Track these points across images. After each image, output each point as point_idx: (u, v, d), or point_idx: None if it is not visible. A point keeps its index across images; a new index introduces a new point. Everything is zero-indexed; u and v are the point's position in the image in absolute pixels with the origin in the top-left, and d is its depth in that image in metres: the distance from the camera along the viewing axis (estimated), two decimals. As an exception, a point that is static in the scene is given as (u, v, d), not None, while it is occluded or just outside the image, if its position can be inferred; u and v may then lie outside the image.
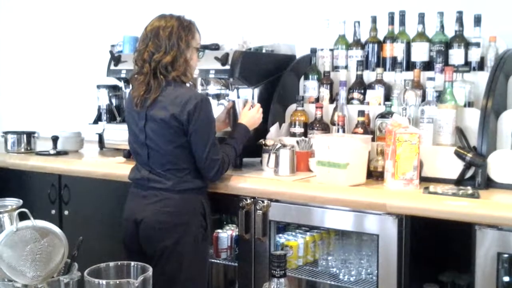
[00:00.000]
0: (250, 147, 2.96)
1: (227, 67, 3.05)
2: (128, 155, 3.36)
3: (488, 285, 2.28)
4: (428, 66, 2.98)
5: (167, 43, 2.53)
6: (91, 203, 3.40)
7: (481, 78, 2.79)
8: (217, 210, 2.90)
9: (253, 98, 3.19)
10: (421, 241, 2.55)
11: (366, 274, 2.76)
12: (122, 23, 4.31)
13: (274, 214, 2.75)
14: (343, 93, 2.99)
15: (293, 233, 3.03)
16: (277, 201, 2.74)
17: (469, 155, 2.52)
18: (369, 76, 3.10)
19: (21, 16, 5.11)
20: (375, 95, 2.99)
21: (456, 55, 2.91)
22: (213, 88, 3.25)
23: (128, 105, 2.71)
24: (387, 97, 2.95)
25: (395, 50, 3.06)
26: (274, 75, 3.28)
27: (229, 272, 3.37)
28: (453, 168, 2.59)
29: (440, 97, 2.74)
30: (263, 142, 2.96)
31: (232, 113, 2.96)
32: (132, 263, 1.49)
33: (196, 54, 2.66)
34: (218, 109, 3.04)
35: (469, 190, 2.42)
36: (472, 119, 2.67)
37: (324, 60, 3.25)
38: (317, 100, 3.17)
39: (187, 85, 2.64)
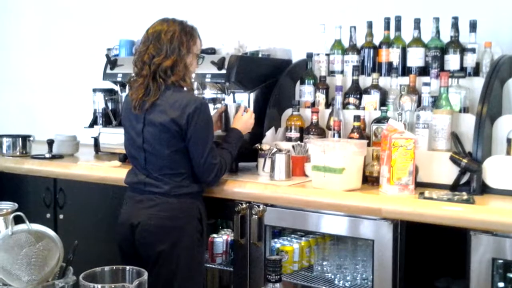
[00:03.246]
0: (246, 152, 2.97)
1: (223, 71, 3.06)
2: (123, 159, 3.35)
3: (483, 291, 2.29)
4: (423, 71, 2.99)
5: (168, 47, 2.53)
6: (86, 207, 3.40)
7: (477, 84, 2.80)
8: (213, 214, 2.90)
9: (249, 103, 3.19)
10: (416, 247, 2.56)
11: (361, 279, 2.76)
12: (118, 27, 4.30)
13: (269, 219, 2.75)
14: (339, 98, 2.99)
15: (289, 238, 3.03)
16: (272, 205, 2.74)
17: (464, 161, 2.53)
18: (365, 81, 3.11)
19: (17, 20, 5.10)
20: (371, 100, 2.99)
21: (452, 61, 2.92)
22: (209, 92, 3.25)
23: (125, 108, 2.70)
24: (383, 102, 2.96)
25: (391, 55, 3.07)
26: (270, 80, 3.28)
27: (224, 277, 3.37)
28: (449, 173, 2.60)
29: (435, 103, 2.74)
30: (259, 147, 2.96)
31: (224, 116, 2.96)
32: (128, 267, 1.48)
33: (196, 60, 2.66)
34: (214, 113, 3.04)
35: (464, 195, 2.42)
36: (467, 125, 2.68)
37: (320, 65, 3.26)
38: (313, 105, 3.18)
39: (185, 89, 2.63)
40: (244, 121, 2.88)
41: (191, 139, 2.53)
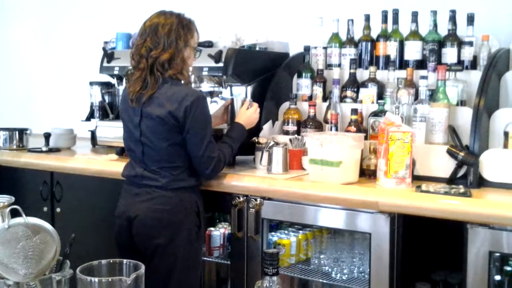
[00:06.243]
0: (243, 145, 2.96)
1: (221, 64, 3.05)
2: (120, 152, 3.35)
3: (479, 284, 2.29)
4: (421, 64, 2.99)
5: (166, 40, 2.52)
6: (83, 200, 3.39)
7: (474, 77, 2.80)
8: (210, 208, 2.90)
9: (246, 96, 3.19)
10: (413, 240, 2.56)
11: (358, 272, 2.77)
12: (115, 20, 4.29)
13: (266, 212, 2.75)
14: (336, 91, 2.99)
15: (286, 231, 3.03)
16: (269, 199, 2.74)
17: (461, 154, 2.53)
18: (362, 74, 3.11)
19: (14, 14, 5.08)
20: (368, 93, 2.99)
21: (449, 54, 2.92)
22: (206, 86, 3.24)
23: (123, 101, 2.70)
24: (380, 96, 2.96)
25: (388, 48, 3.07)
26: (267, 73, 3.28)
27: (222, 271, 3.37)
28: (446, 166, 2.60)
29: (432, 96, 2.75)
30: (256, 140, 2.95)
31: (230, 110, 2.96)
32: (125, 260, 1.48)
33: (194, 53, 2.65)
34: (211, 107, 3.03)
35: (461, 188, 2.42)
36: (464, 118, 2.68)
37: (318, 58, 3.26)
38: (310, 98, 3.17)
39: (182, 82, 2.63)
40: (248, 116, 2.87)
41: (188, 132, 2.53)
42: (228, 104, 2.97)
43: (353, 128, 2.83)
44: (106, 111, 3.74)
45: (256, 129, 3.04)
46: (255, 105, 2.92)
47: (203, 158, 2.56)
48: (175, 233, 2.54)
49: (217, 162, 2.60)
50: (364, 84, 3.03)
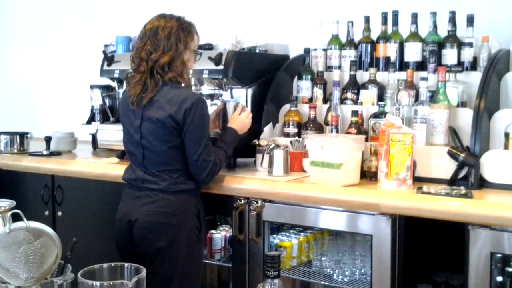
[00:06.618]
0: (244, 148, 2.96)
1: (221, 67, 3.05)
2: (121, 155, 3.35)
3: (481, 285, 2.28)
4: (421, 66, 2.99)
5: (166, 43, 2.52)
6: (84, 204, 3.39)
7: (474, 78, 2.80)
8: (211, 210, 2.90)
9: (246, 98, 3.18)
10: (415, 241, 2.56)
11: (360, 274, 2.76)
12: (115, 23, 4.30)
13: (268, 214, 2.75)
14: (336, 93, 2.99)
15: (287, 234, 3.04)
16: (271, 201, 2.73)
17: (462, 155, 2.53)
18: (362, 76, 3.11)
19: (14, 17, 5.09)
20: (369, 95, 2.99)
21: (449, 55, 2.92)
22: (206, 88, 3.25)
23: (123, 104, 2.70)
24: (381, 97, 2.96)
25: (388, 50, 3.07)
26: (267, 75, 3.27)
27: (223, 273, 3.37)
28: (446, 168, 2.60)
29: (433, 97, 2.74)
30: (257, 142, 2.95)
31: (222, 115, 2.96)
32: (126, 264, 1.49)
33: (194, 56, 2.66)
34: (211, 109, 3.03)
35: (462, 190, 2.42)
36: (465, 119, 2.68)
37: (318, 60, 3.26)
38: (311, 100, 3.17)
39: (183, 85, 2.63)
40: (240, 121, 2.86)
41: (186, 134, 2.52)
42: (220, 109, 2.97)
43: (353, 130, 2.83)
44: (106, 114, 3.74)
45: (257, 132, 3.04)
46: (247, 110, 2.92)
47: (199, 162, 2.56)
48: (175, 236, 2.54)
49: (212, 166, 2.59)
50: (364, 86, 3.03)
